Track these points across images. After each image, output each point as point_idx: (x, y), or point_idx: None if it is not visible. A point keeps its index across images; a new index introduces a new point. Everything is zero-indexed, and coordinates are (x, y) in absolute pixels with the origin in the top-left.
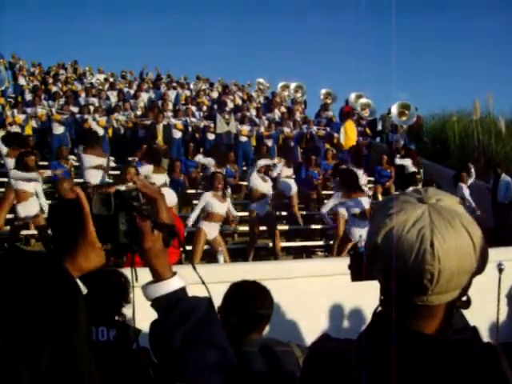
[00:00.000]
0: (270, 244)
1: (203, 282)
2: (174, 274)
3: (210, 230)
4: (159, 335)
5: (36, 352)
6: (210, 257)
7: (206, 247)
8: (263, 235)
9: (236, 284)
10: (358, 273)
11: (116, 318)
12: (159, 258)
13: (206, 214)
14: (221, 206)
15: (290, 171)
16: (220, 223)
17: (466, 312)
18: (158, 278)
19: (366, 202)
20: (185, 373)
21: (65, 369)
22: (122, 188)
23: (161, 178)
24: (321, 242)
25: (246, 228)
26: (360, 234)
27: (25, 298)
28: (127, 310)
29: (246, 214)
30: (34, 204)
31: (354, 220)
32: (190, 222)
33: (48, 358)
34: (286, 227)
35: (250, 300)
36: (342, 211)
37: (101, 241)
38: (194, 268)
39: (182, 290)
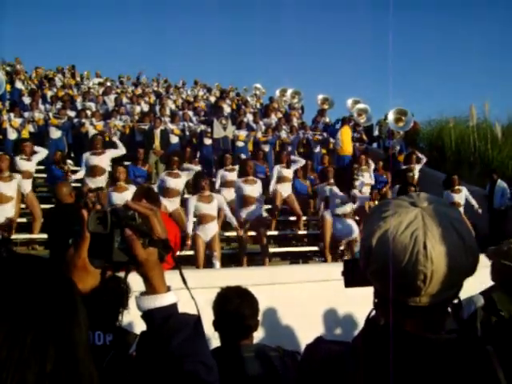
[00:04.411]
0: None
1: (192, 297)
2: (168, 288)
3: (206, 233)
4: (147, 347)
5: (40, 356)
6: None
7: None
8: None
9: (221, 295)
10: (352, 279)
11: (113, 322)
12: (154, 271)
13: (197, 218)
14: (208, 206)
15: (289, 172)
16: (214, 222)
17: None
18: (152, 291)
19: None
20: None
21: (67, 372)
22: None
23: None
24: (317, 248)
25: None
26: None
27: (26, 303)
28: (125, 316)
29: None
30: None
31: (336, 219)
32: (189, 229)
33: (52, 362)
34: (282, 232)
35: (235, 312)
36: (328, 217)
37: (93, 256)
38: (183, 279)
39: (174, 306)
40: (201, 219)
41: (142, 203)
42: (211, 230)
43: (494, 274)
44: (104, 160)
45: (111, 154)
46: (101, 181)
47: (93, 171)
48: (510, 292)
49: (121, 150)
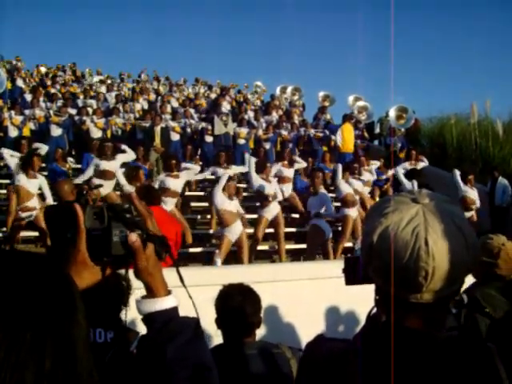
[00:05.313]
0: (276, 247)
1: (189, 296)
2: (169, 292)
3: (232, 232)
4: (147, 350)
5: (39, 356)
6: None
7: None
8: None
9: (223, 292)
10: (352, 276)
11: (114, 320)
12: (154, 275)
13: (222, 221)
14: (231, 203)
15: (290, 172)
16: (239, 221)
17: None
18: (152, 294)
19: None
20: None
21: (66, 371)
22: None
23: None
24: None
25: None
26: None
27: (24, 301)
28: (126, 313)
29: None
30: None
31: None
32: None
33: (50, 361)
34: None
35: (238, 309)
36: (351, 214)
37: (93, 255)
38: (181, 277)
39: (174, 310)
40: (226, 221)
41: (144, 205)
42: (237, 228)
43: (474, 271)
44: (114, 165)
45: (122, 158)
46: (109, 185)
47: (103, 175)
48: (492, 287)
49: (130, 155)
